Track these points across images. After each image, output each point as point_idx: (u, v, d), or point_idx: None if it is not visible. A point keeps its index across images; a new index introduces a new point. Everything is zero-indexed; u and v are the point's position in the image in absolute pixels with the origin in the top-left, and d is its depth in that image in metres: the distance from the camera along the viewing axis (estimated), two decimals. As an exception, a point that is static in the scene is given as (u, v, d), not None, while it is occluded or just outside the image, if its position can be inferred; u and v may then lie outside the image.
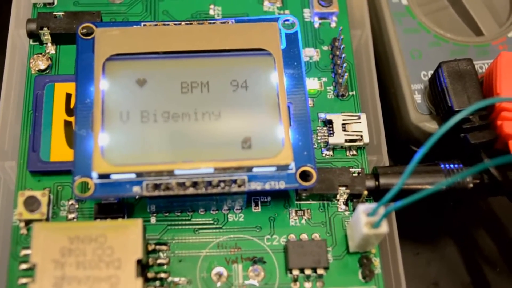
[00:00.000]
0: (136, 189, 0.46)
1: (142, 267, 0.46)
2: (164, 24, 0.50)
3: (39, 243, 0.45)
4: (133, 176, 0.46)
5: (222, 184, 0.46)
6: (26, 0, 0.57)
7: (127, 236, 0.45)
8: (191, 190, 0.46)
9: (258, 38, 0.50)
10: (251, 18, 0.51)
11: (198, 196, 0.47)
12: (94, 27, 0.50)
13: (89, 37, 0.50)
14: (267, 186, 0.46)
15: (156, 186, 0.46)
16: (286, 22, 0.51)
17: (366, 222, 0.45)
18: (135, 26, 0.50)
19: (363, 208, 0.45)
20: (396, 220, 0.51)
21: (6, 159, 0.52)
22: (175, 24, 0.50)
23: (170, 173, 0.46)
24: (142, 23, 0.51)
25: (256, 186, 0.46)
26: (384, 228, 0.45)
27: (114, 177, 0.46)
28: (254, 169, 0.46)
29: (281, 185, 0.46)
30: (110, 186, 0.46)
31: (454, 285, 0.56)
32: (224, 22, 0.51)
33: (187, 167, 0.46)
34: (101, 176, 0.46)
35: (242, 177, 0.46)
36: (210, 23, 0.51)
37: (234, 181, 0.46)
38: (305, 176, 0.47)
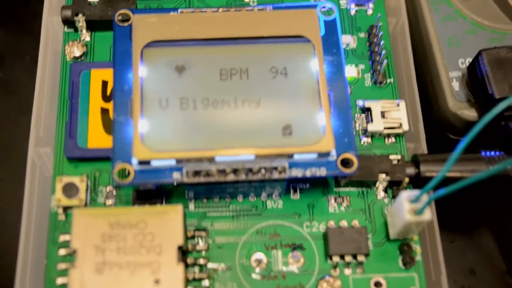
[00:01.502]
0: (176, 175, 0.46)
1: (183, 253, 0.46)
2: (202, 11, 0.50)
3: (80, 229, 0.45)
4: (173, 162, 0.46)
5: (262, 171, 0.46)
6: (59, -13, 0.57)
7: (167, 222, 0.45)
8: (231, 177, 0.46)
9: (297, 25, 0.50)
10: (289, 4, 0.51)
11: (238, 182, 0.47)
12: (131, 13, 0.50)
13: (126, 24, 0.50)
14: (308, 173, 0.46)
15: (196, 173, 0.46)
16: (324, 9, 0.51)
17: (409, 209, 0.44)
18: (172, 13, 0.50)
19: (406, 195, 0.45)
20: (434, 208, 0.50)
21: (42, 145, 0.52)
22: (212, 11, 0.50)
23: (211, 159, 0.46)
24: (179, 10, 0.50)
25: (297, 173, 0.46)
26: (427, 215, 0.44)
27: (154, 163, 0.46)
28: (295, 156, 0.46)
29: (322, 172, 0.46)
30: (150, 173, 0.46)
31: (490, 273, 0.56)
32: (262, 9, 0.50)
33: (228, 154, 0.46)
34: (141, 163, 0.45)
35: (283, 164, 0.46)
36: (248, 10, 0.50)
37: (275, 168, 0.46)
38: (345, 163, 0.46)
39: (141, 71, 0.48)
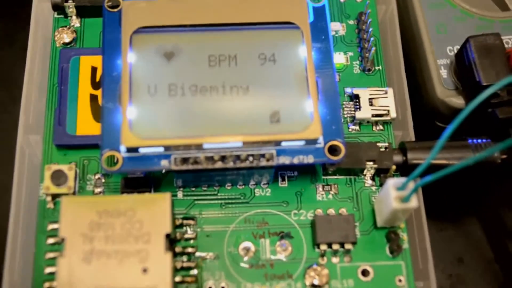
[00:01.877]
0: (164, 163, 0.46)
1: (171, 241, 0.46)
2: (191, -3, 0.50)
3: (68, 217, 0.45)
4: (161, 149, 0.46)
5: (250, 158, 0.46)
6: (49, -27, 0.57)
7: (155, 210, 0.45)
8: (219, 164, 0.46)
9: (286, 12, 0.49)
10: (278, -9, 0.51)
11: (226, 170, 0.47)
12: None
13: (115, 10, 0.49)
14: (296, 160, 0.46)
15: (184, 160, 0.46)
16: (313, -4, 0.51)
17: (396, 196, 0.45)
18: (161, -1, 0.50)
19: (392, 182, 0.45)
20: (421, 196, 0.51)
21: (31, 133, 0.52)
22: (202, -3, 0.50)
23: (199, 147, 0.46)
24: (169, -4, 0.50)
25: (284, 160, 0.46)
26: (413, 202, 0.44)
27: (142, 150, 0.46)
28: (283, 143, 0.46)
29: (310, 159, 0.46)
30: (138, 160, 0.46)
31: (478, 261, 0.56)
32: (251, -4, 0.50)
33: (216, 141, 0.46)
34: (129, 150, 0.45)
35: (270, 151, 0.46)
36: (237, -4, 0.50)
37: (263, 155, 0.46)
38: (333, 150, 0.47)
39: (130, 57, 0.48)
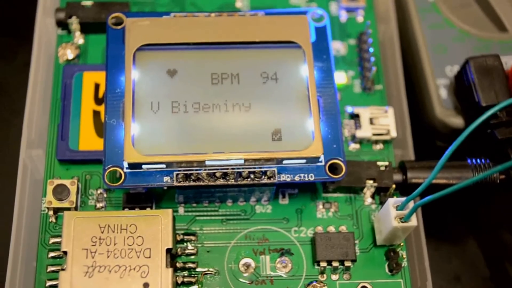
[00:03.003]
0: (166, 179, 0.46)
1: (172, 257, 0.46)
2: (194, 16, 0.50)
3: (70, 232, 0.45)
4: (163, 166, 0.46)
5: (252, 176, 0.46)
6: (53, -11, 0.58)
7: (157, 225, 0.45)
8: (221, 181, 0.46)
9: (288, 31, 0.50)
10: (281, 10, 0.52)
11: (227, 187, 0.47)
12: (124, 17, 0.50)
13: (119, 27, 0.50)
14: (297, 178, 0.47)
15: (187, 177, 0.46)
16: (315, 16, 0.51)
17: (396, 215, 0.45)
18: (165, 17, 0.50)
19: (392, 201, 0.46)
20: (420, 215, 0.51)
21: (33, 147, 0.52)
22: (205, 16, 0.50)
23: (201, 163, 0.46)
24: (172, 14, 0.51)
25: (285, 178, 0.47)
26: (413, 221, 0.45)
27: (144, 167, 0.46)
28: (284, 161, 0.46)
29: (311, 177, 0.47)
30: (140, 176, 0.46)
31: (475, 280, 0.56)
32: (253, 15, 0.51)
33: (218, 158, 0.46)
34: (132, 166, 0.46)
35: (272, 169, 0.46)
36: (240, 15, 0.51)
37: (264, 173, 0.46)
38: (333, 169, 0.47)
39: (133, 74, 0.48)
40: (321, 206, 0.50)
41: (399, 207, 0.45)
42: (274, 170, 0.46)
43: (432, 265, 0.50)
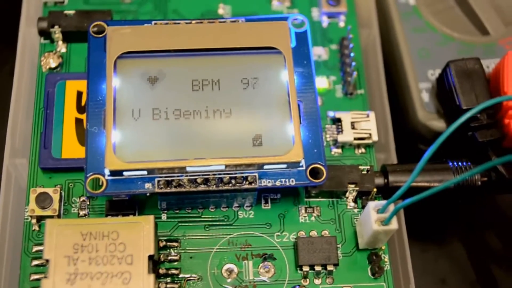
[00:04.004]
0: (148, 185, 0.46)
1: (154, 263, 0.46)
2: (175, 23, 0.51)
3: (52, 239, 0.45)
4: (145, 172, 0.46)
5: (233, 181, 0.47)
6: (36, -2, 0.58)
7: (139, 232, 0.46)
8: (202, 187, 0.46)
9: (268, 37, 0.50)
10: (261, 17, 0.52)
11: (209, 192, 0.47)
12: (105, 25, 0.50)
13: (101, 36, 0.50)
14: (278, 183, 0.47)
15: (168, 183, 0.46)
16: (296, 21, 0.52)
17: (376, 219, 0.45)
18: (146, 25, 0.51)
19: (373, 205, 0.46)
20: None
21: (17, 156, 0.53)
22: (186, 23, 0.51)
23: (182, 169, 0.46)
24: (153, 22, 0.51)
25: (266, 183, 0.47)
26: (394, 224, 0.45)
27: (126, 174, 0.46)
28: (265, 166, 0.47)
29: (292, 182, 0.47)
30: (122, 183, 0.46)
31: (461, 282, 0.57)
32: (234, 21, 0.51)
33: (199, 164, 0.46)
34: (113, 173, 0.46)
35: (253, 174, 0.47)
36: (221, 21, 0.51)
37: (245, 178, 0.47)
38: (315, 173, 0.47)
39: (114, 82, 0.48)
40: (303, 211, 0.51)
41: (380, 210, 0.45)
42: (255, 175, 0.47)
43: (418, 268, 0.51)
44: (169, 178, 0.46)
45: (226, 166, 0.46)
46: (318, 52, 0.56)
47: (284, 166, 0.47)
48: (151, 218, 0.46)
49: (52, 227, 0.46)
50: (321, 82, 0.55)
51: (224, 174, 0.46)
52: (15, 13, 0.59)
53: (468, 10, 0.59)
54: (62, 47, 0.55)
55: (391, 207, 0.45)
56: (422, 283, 0.55)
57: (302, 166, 0.47)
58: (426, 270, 0.57)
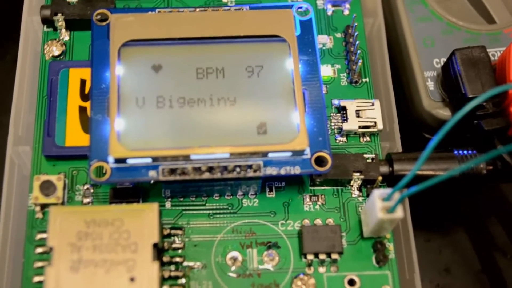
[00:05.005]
0: (152, 173, 0.46)
1: (158, 251, 0.46)
2: (179, 11, 0.51)
3: (56, 227, 0.45)
4: (149, 160, 0.46)
5: (237, 169, 0.46)
6: (39, -14, 0.58)
7: (143, 220, 0.46)
8: (206, 175, 0.46)
9: (273, 25, 0.50)
10: (266, 5, 0.52)
11: (213, 181, 0.47)
12: (109, 13, 0.50)
13: (104, 23, 0.50)
14: (282, 171, 0.47)
15: (172, 171, 0.46)
16: (300, 9, 0.51)
17: (382, 207, 0.45)
18: (150, 12, 0.50)
19: (378, 193, 0.45)
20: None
21: (21, 144, 0.52)
22: (189, 11, 0.51)
23: (186, 158, 0.46)
24: (157, 10, 0.51)
25: (271, 171, 0.47)
26: (399, 213, 0.45)
27: (130, 161, 0.46)
28: (270, 154, 0.47)
29: (296, 170, 0.47)
30: (126, 171, 0.46)
31: (466, 271, 0.57)
32: (238, 9, 0.51)
33: (203, 152, 0.46)
34: (117, 161, 0.46)
35: (257, 162, 0.46)
36: (225, 10, 0.51)
37: (250, 166, 0.46)
38: (320, 161, 0.47)
39: (118, 69, 0.48)
40: (308, 199, 0.50)
41: (385, 199, 0.45)
42: (260, 164, 0.46)
43: (423, 258, 0.51)
44: (174, 166, 0.46)
45: (231, 154, 0.46)
46: (323, 41, 0.56)
47: (289, 154, 0.47)
48: (155, 206, 0.46)
49: (56, 214, 0.46)
50: (326, 71, 0.55)
51: (228, 162, 0.46)
52: (17, 2, 0.59)
53: (474, -1, 0.58)
54: (65, 35, 0.55)
55: (396, 195, 0.45)
56: (426, 272, 0.55)
57: (307, 155, 0.47)
58: (431, 259, 0.57)
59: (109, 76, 0.48)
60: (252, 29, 0.50)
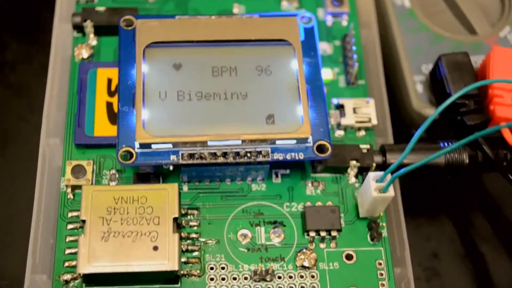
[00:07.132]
0: (173, 157, 0.52)
1: (177, 225, 0.52)
2: (197, 18, 0.57)
3: (88, 203, 0.51)
4: (170, 146, 0.52)
5: (248, 155, 0.52)
6: (68, -2, 0.64)
7: (165, 197, 0.51)
8: (221, 160, 0.52)
9: (280, 30, 0.56)
10: (273, 13, 0.58)
11: (226, 165, 0.53)
12: (134, 19, 0.57)
13: (130, 28, 0.56)
14: (288, 157, 0.52)
15: (191, 156, 0.52)
16: (303, 20, 0.58)
17: (376, 187, 0.51)
18: (171, 19, 0.57)
19: (372, 175, 0.51)
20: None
21: (51, 136, 0.58)
22: (206, 18, 0.57)
23: (203, 144, 0.52)
24: (177, 16, 0.57)
25: (278, 156, 0.52)
26: (391, 192, 0.51)
27: (154, 146, 0.52)
28: (277, 142, 0.52)
29: (300, 156, 0.53)
30: (150, 155, 0.52)
31: (452, 257, 0.62)
32: (249, 17, 0.57)
33: (218, 139, 0.52)
34: (142, 146, 0.52)
35: (266, 149, 0.52)
36: (237, 17, 0.57)
37: (259, 152, 0.52)
38: (320, 149, 0.53)
39: (143, 68, 0.54)
40: (310, 185, 0.56)
41: (379, 180, 0.51)
42: (268, 150, 0.52)
43: (412, 243, 0.55)
44: (192, 151, 0.52)
45: (242, 141, 0.52)
46: (324, 47, 0.62)
47: (294, 142, 0.53)
48: (175, 185, 0.52)
49: (88, 192, 0.51)
50: (326, 73, 0.61)
51: (240, 148, 0.52)
52: (46, 13, 0.65)
53: (458, 13, 0.65)
54: (93, 40, 0.61)
55: (388, 177, 0.51)
56: (416, 256, 0.60)
57: (309, 143, 0.53)
58: (420, 246, 0.62)
59: (134, 74, 0.54)
60: (261, 34, 0.56)
